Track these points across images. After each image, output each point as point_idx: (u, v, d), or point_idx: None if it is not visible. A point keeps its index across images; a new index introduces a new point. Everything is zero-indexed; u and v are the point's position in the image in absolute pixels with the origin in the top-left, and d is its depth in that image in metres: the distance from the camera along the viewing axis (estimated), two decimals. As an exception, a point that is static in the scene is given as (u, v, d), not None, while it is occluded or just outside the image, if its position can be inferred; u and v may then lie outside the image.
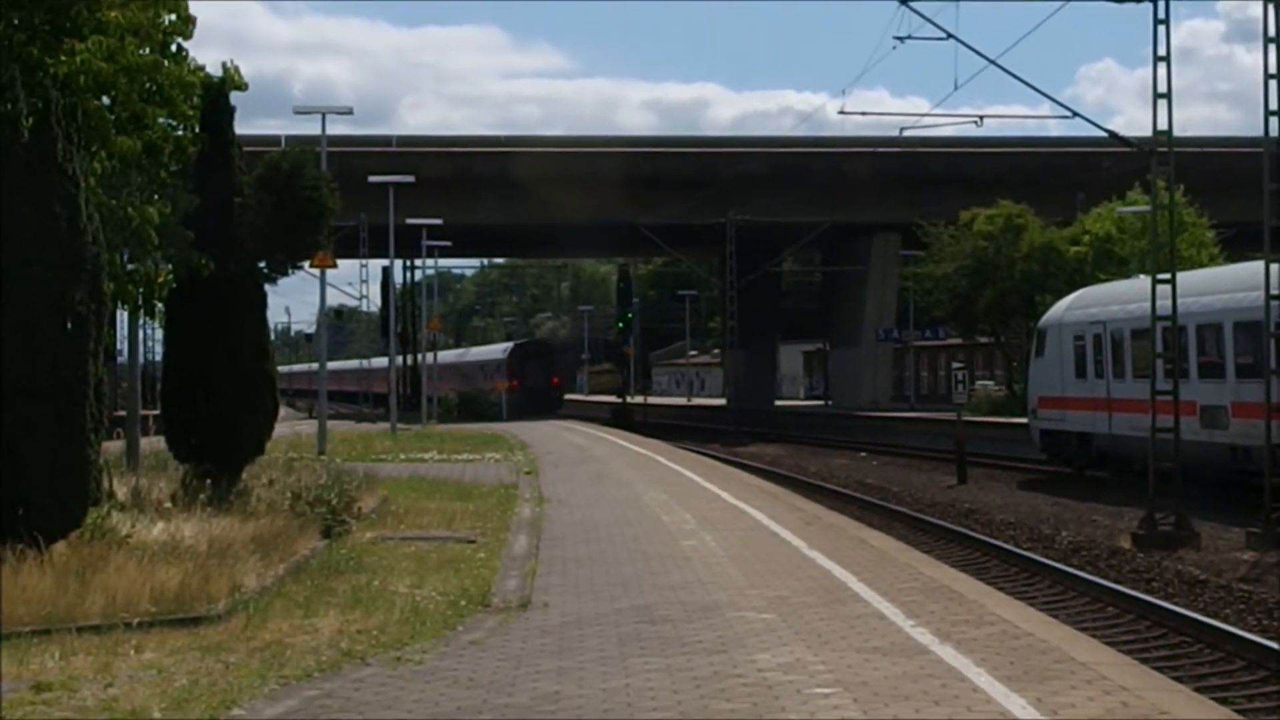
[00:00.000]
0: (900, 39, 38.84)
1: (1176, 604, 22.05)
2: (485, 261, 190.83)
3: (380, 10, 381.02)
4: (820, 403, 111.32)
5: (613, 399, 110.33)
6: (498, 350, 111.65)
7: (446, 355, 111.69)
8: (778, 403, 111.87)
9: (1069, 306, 46.35)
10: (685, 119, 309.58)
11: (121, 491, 23.24)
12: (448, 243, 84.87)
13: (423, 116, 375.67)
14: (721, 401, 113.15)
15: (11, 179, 17.35)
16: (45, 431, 17.23)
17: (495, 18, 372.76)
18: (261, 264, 27.51)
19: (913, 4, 35.94)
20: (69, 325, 17.55)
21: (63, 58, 21.87)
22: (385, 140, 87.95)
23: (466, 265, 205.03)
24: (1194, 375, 35.93)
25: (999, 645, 13.89)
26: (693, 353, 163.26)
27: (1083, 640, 15.03)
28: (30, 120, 17.80)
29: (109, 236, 20.86)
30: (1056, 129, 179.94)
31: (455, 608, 16.59)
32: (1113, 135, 34.96)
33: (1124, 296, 41.96)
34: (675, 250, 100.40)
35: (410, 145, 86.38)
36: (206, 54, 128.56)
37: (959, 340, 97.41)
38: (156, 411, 31.82)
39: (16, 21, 21.59)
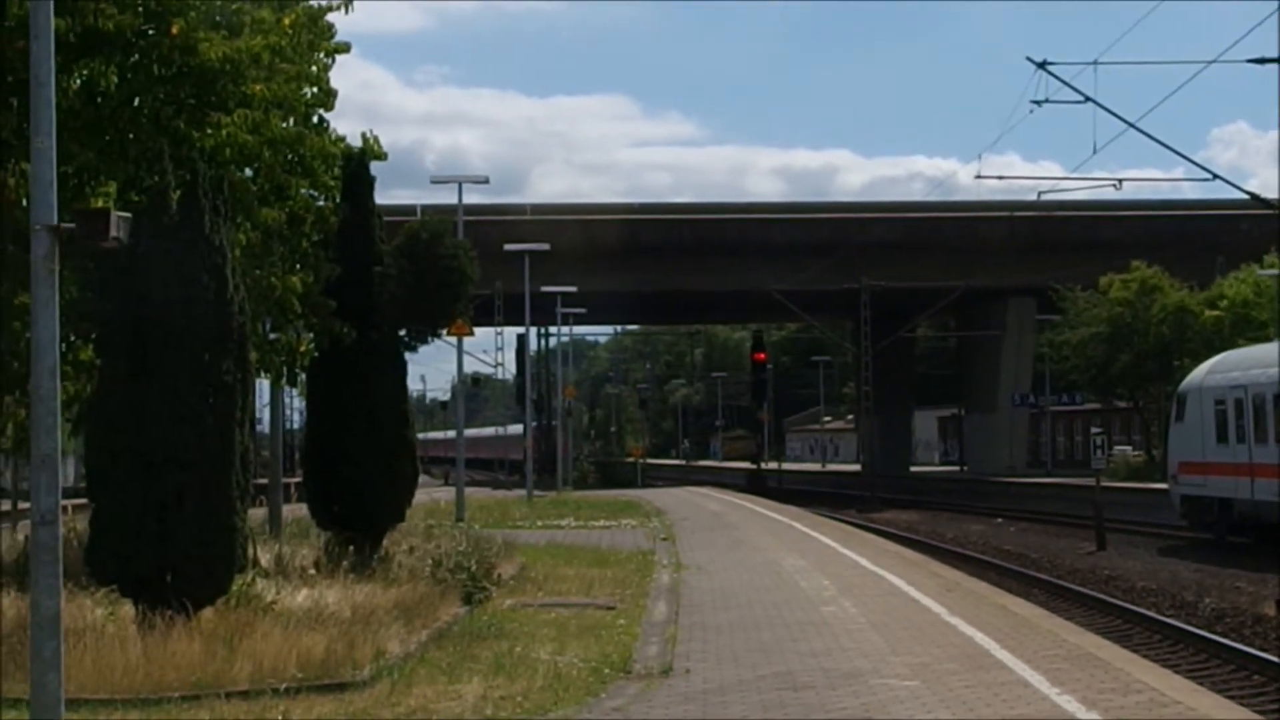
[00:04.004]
0: (1038, 102, 38.64)
1: (1325, 672, 21.72)
2: (618, 328, 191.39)
3: (511, 81, 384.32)
4: (955, 468, 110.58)
5: (747, 465, 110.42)
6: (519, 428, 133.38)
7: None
8: (913, 468, 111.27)
9: (1209, 371, 45.86)
10: (814, 185, 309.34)
11: (265, 558, 23.50)
12: (582, 310, 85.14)
13: (553, 185, 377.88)
14: (856, 467, 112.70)
15: (160, 251, 17.64)
16: (193, 500, 17.47)
17: (625, 87, 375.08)
18: (402, 332, 27.75)
19: (1050, 67, 35.80)
20: (215, 395, 17.79)
21: (209, 131, 22.25)
22: (519, 209, 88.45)
23: (600, 332, 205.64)
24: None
25: (1147, 714, 13.75)
26: (826, 418, 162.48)
27: (1233, 709, 14.88)
28: (178, 193, 18.11)
29: (253, 306, 21.16)
30: (1190, 191, 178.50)
31: (597, 674, 16.63)
32: (1254, 197, 34.69)
33: (1266, 360, 41.44)
34: (808, 316, 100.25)
35: (543, 214, 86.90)
36: (343, 126, 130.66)
37: (1096, 405, 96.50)
38: (298, 479, 32.15)
39: (164, 96, 22.01)
